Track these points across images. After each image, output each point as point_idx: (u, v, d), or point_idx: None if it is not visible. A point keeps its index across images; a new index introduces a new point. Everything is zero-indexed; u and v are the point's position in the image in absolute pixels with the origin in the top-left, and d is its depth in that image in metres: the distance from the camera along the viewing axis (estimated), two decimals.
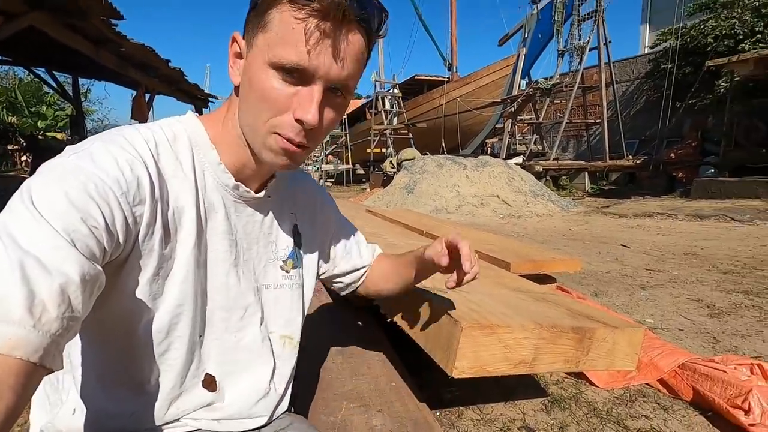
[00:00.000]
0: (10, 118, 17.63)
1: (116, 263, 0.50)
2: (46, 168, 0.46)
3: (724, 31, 10.03)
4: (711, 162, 9.00)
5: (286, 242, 0.70)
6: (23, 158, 15.60)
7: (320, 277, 0.82)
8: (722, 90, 9.35)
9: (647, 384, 1.55)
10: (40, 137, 13.91)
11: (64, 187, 0.43)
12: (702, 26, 10.66)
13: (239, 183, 0.60)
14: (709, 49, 10.13)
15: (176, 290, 0.55)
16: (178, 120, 0.59)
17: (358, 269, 0.85)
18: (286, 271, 0.70)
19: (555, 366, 0.90)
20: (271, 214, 0.67)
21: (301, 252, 0.73)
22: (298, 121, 0.50)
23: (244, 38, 0.54)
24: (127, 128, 0.54)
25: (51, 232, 0.40)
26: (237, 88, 0.56)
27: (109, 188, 0.45)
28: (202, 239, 0.58)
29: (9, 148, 15.32)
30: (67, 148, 0.49)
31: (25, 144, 14.24)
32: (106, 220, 0.45)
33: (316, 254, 0.77)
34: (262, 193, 0.63)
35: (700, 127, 10.14)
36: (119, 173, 0.47)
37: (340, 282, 0.86)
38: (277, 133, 0.52)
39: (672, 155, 9.94)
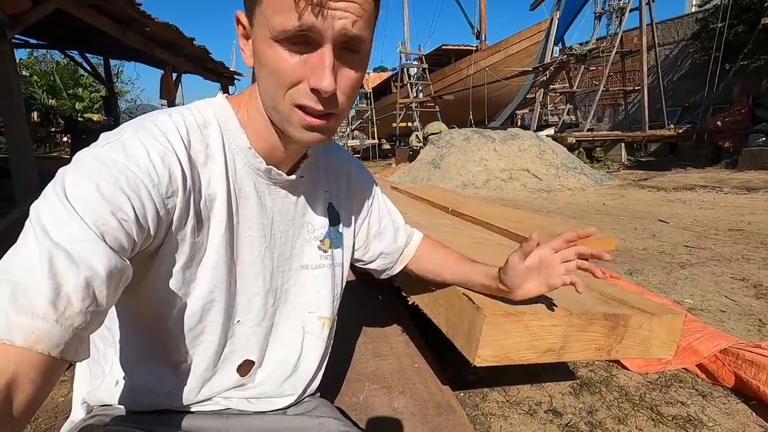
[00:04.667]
0: (50, 101, 18.38)
1: (148, 252, 0.51)
2: (81, 158, 0.46)
3: None
4: (762, 130, 8.36)
5: (322, 221, 0.68)
6: (64, 139, 16.31)
7: (353, 257, 0.79)
8: None
9: (684, 369, 1.47)
10: (78, 119, 14.48)
11: (96, 180, 0.43)
12: None
13: (271, 167, 0.58)
14: (766, 4, 9.23)
15: (207, 277, 0.56)
16: (208, 103, 0.58)
17: (389, 253, 0.82)
18: (324, 251, 0.69)
19: (585, 355, 0.85)
20: (304, 194, 0.66)
21: (339, 230, 0.71)
22: (313, 90, 0.47)
23: (247, 17, 0.51)
24: (160, 114, 0.53)
25: (81, 226, 0.41)
26: (252, 69, 0.54)
27: (141, 181, 0.46)
28: (233, 225, 0.57)
29: (51, 129, 16.03)
30: (102, 136, 0.49)
31: (65, 125, 14.86)
32: (137, 212, 0.45)
33: (352, 232, 0.75)
34: (294, 175, 0.62)
35: (752, 92, 9.38)
36: (151, 166, 0.47)
37: (372, 265, 0.83)
38: (298, 106, 0.49)
39: (718, 123, 9.28)
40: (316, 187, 0.68)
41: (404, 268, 0.85)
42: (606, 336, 0.85)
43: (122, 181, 0.44)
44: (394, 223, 0.82)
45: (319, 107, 0.49)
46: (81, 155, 0.46)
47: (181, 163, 0.50)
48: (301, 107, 0.49)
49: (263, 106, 0.54)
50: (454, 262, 0.84)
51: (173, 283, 0.53)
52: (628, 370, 1.48)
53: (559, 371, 1.47)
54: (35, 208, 0.42)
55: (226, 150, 0.56)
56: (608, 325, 0.84)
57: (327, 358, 0.74)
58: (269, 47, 0.47)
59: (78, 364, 0.67)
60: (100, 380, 0.62)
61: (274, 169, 0.59)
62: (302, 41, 0.46)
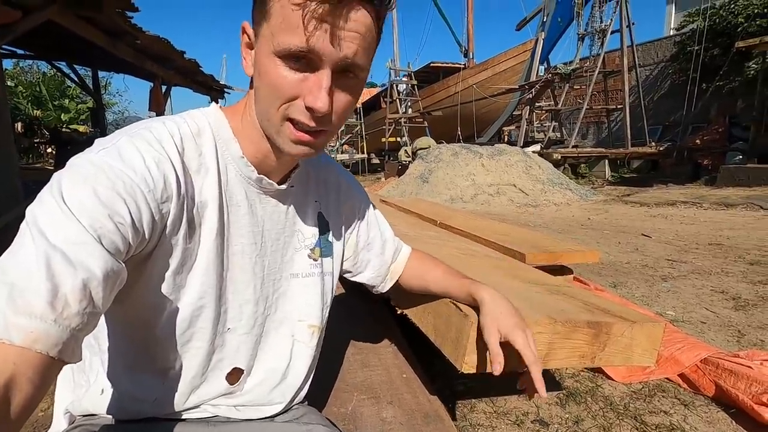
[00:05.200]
0: (35, 111, 18.14)
1: (141, 257, 0.51)
2: (76, 163, 0.46)
3: (756, 10, 9.56)
4: (739, 148, 8.65)
5: (312, 230, 0.69)
6: (48, 150, 16.07)
7: (342, 268, 0.80)
8: (752, 72, 8.94)
9: (667, 378, 1.50)
10: (63, 130, 14.32)
11: (92, 184, 0.44)
12: (732, 5, 10.17)
13: (262, 176, 0.60)
14: (739, 29, 9.68)
15: (198, 283, 0.56)
16: (202, 112, 0.59)
17: (377, 266, 0.83)
18: (314, 260, 0.69)
19: (569, 362, 0.87)
20: (295, 203, 0.67)
21: (329, 239, 0.72)
22: (308, 108, 0.50)
23: (252, 28, 0.53)
24: (154, 122, 0.54)
25: (78, 228, 0.41)
26: (251, 79, 0.55)
27: (137, 186, 0.46)
28: (224, 233, 0.58)
29: (35, 140, 15.77)
30: (96, 142, 0.50)
31: (49, 137, 14.67)
32: (133, 216, 0.45)
33: (342, 241, 0.76)
34: (285, 185, 0.63)
35: (728, 112, 9.75)
36: (146, 171, 0.48)
37: (360, 277, 0.83)
38: (290, 120, 0.51)
39: (697, 141, 9.60)
40: (306, 196, 0.69)
41: (395, 284, 0.86)
42: (589, 343, 0.87)
43: (119, 186, 0.45)
44: (382, 234, 0.83)
45: (312, 124, 0.51)
46: (76, 160, 0.47)
47: (175, 170, 0.51)
48: (292, 121, 0.51)
49: (257, 116, 0.56)
50: (441, 277, 0.84)
51: (164, 289, 0.54)
52: (613, 380, 1.50)
53: (546, 381, 1.46)
54: (31, 211, 0.42)
55: (218, 158, 0.57)
56: (591, 333, 0.86)
57: (315, 367, 0.74)
58: (270, 61, 0.49)
59: (60, 375, 0.65)
60: (84, 390, 0.61)
61: (265, 178, 0.60)
62: (303, 60, 0.48)
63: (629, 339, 0.90)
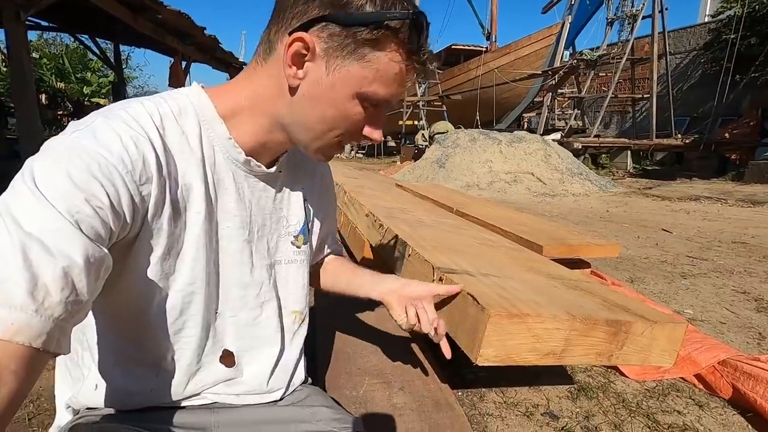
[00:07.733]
0: (58, 83, 18.45)
1: (125, 243, 0.49)
2: (49, 146, 0.44)
3: None
4: None
5: (297, 217, 0.69)
6: (71, 122, 16.40)
7: None
8: None
9: (682, 378, 1.48)
10: (85, 103, 14.55)
11: (66, 167, 0.42)
12: None
13: (250, 158, 0.58)
14: None
15: (187, 269, 0.55)
16: (183, 93, 0.57)
17: (319, 258, 0.86)
18: (297, 246, 0.70)
19: (586, 359, 0.85)
20: (283, 188, 0.67)
21: (309, 227, 0.73)
22: (365, 137, 0.57)
23: (323, 52, 0.51)
24: (132, 102, 0.52)
25: (54, 214, 0.39)
26: (294, 88, 0.53)
27: (114, 167, 0.44)
28: (212, 216, 0.57)
29: (59, 112, 16.06)
30: (70, 124, 0.48)
31: (72, 109, 14.92)
32: (111, 199, 0.43)
33: (317, 228, 0.77)
34: (273, 168, 0.62)
35: (762, 105, 9.33)
36: (123, 151, 0.46)
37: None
38: (340, 143, 0.57)
39: (726, 134, 9.24)
40: (294, 182, 0.69)
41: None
42: (607, 341, 0.85)
43: (94, 168, 0.43)
44: (333, 233, 0.87)
45: (362, 144, 0.57)
46: (49, 143, 0.45)
47: (155, 149, 0.49)
48: (340, 143, 0.58)
49: (293, 123, 0.56)
50: (351, 275, 0.87)
51: (152, 276, 0.52)
52: (626, 377, 1.48)
53: (558, 375, 1.47)
54: (3, 200, 0.40)
55: (203, 139, 0.55)
56: (610, 331, 0.85)
57: (304, 351, 0.75)
58: (350, 100, 0.53)
59: (57, 370, 0.65)
60: (81, 384, 0.61)
61: (253, 160, 0.59)
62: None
63: (649, 339, 0.88)
